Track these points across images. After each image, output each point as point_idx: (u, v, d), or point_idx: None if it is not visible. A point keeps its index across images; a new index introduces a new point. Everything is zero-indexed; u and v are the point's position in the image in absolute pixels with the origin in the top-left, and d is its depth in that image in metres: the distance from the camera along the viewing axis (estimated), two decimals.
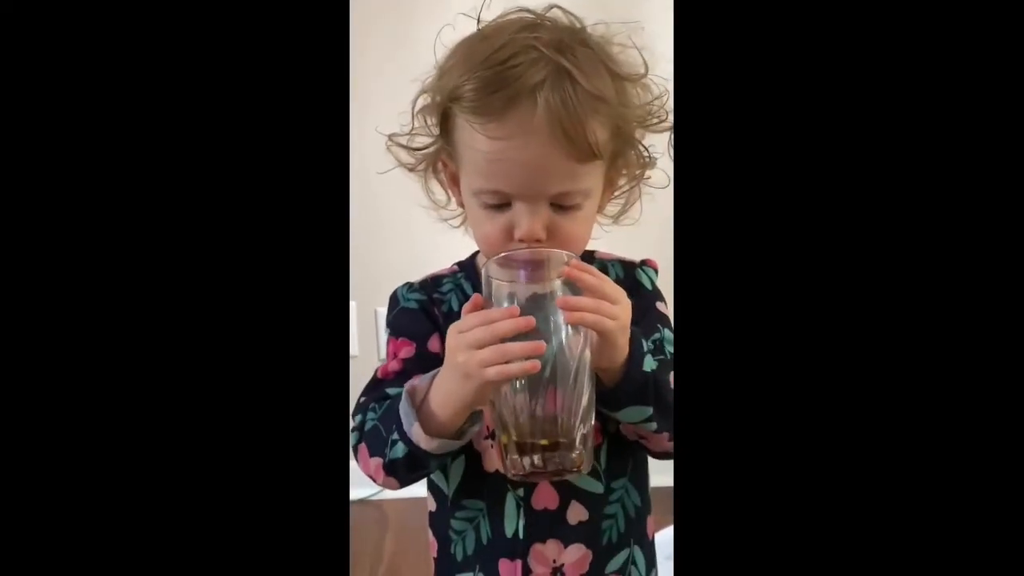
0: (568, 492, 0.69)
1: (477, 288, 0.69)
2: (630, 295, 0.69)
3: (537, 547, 0.69)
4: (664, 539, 1.16)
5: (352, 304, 1.92)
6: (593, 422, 0.61)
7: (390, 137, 0.72)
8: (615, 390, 0.63)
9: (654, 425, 0.65)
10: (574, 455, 0.60)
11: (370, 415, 0.69)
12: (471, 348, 0.59)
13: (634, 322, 0.65)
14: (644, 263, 0.75)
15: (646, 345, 0.65)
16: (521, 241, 0.64)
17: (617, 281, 0.72)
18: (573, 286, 0.60)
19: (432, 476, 0.73)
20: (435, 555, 0.75)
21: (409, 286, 0.75)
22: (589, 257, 0.74)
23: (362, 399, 0.71)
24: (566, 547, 0.70)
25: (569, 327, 0.60)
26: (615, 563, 0.71)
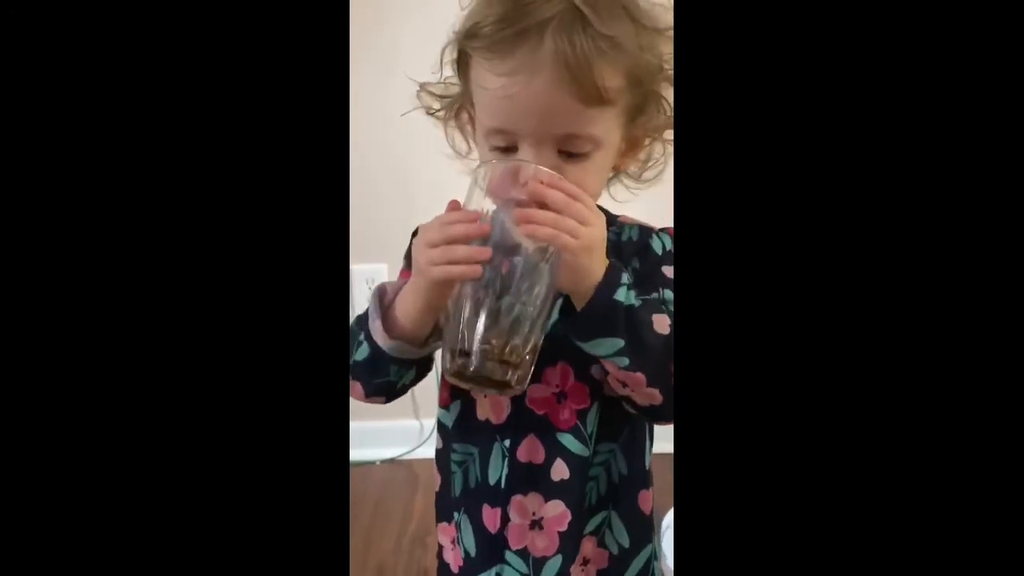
0: (554, 450, 0.70)
1: None
2: (639, 257, 0.70)
3: (517, 498, 0.71)
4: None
5: (383, 267, 1.93)
6: (537, 342, 0.60)
7: (422, 85, 0.72)
8: (580, 315, 0.61)
9: (625, 360, 0.62)
10: (504, 371, 0.58)
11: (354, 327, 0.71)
12: (425, 247, 0.60)
13: (636, 284, 0.64)
14: (662, 230, 0.74)
15: (625, 278, 0.62)
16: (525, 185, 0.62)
17: (629, 243, 0.72)
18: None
19: (440, 416, 0.75)
20: (437, 490, 0.77)
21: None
22: (610, 223, 0.73)
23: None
24: (547, 501, 0.70)
25: (531, 241, 0.59)
26: (591, 524, 0.72)
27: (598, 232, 0.61)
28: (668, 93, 0.67)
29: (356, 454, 1.94)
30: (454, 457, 0.74)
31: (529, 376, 0.60)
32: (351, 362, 0.68)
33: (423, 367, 0.71)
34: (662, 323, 0.62)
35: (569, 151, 0.62)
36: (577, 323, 0.62)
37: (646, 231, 0.74)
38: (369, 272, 1.92)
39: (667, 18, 0.65)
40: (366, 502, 1.79)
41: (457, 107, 0.71)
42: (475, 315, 0.59)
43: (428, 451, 2.00)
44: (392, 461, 1.99)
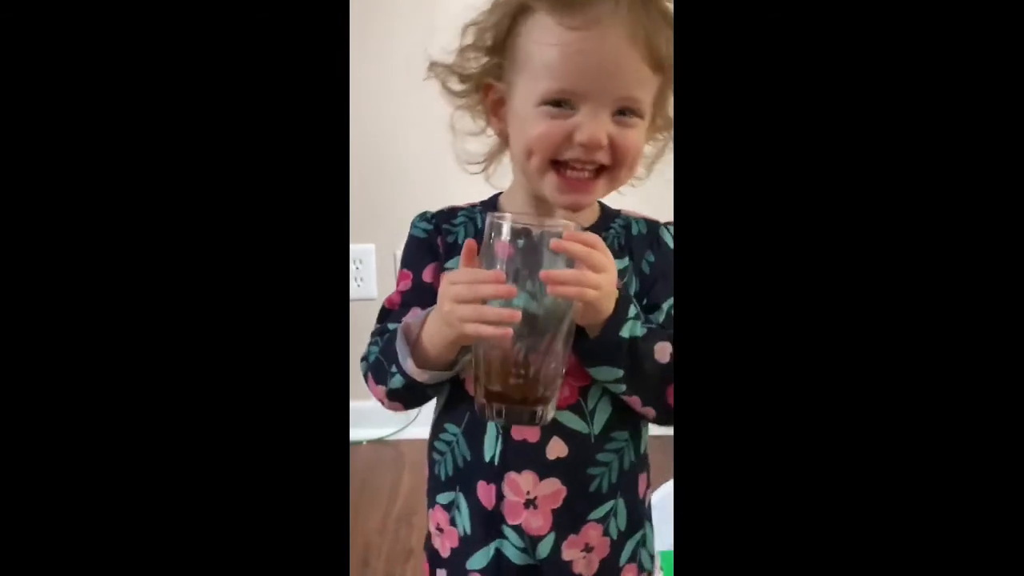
0: (550, 427, 0.69)
1: None
2: (652, 251, 0.72)
3: (512, 475, 0.70)
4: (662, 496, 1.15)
5: (371, 247, 1.93)
6: (560, 376, 0.63)
7: (431, 65, 0.71)
8: (589, 347, 0.65)
9: (622, 387, 0.67)
10: (534, 410, 0.63)
11: (373, 348, 0.73)
12: (454, 301, 0.61)
13: (655, 280, 0.69)
14: (668, 224, 0.75)
15: (632, 310, 0.66)
16: (582, 146, 0.64)
17: (639, 237, 0.73)
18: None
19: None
20: (427, 476, 0.77)
21: (423, 215, 0.77)
22: (615, 214, 0.75)
23: (374, 329, 0.75)
24: (541, 480, 0.70)
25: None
26: (598, 512, 0.71)
27: (612, 277, 0.63)
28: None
29: None
30: (441, 437, 0.74)
31: (554, 405, 0.64)
32: (387, 390, 0.70)
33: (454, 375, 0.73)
34: (663, 351, 0.66)
35: (624, 112, 0.65)
36: (583, 350, 0.66)
37: (653, 224, 0.75)
38: (357, 252, 1.93)
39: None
40: (353, 481, 1.80)
41: (481, 82, 0.70)
42: (504, 358, 0.62)
43: (415, 431, 2.02)
44: (379, 441, 2.00)
